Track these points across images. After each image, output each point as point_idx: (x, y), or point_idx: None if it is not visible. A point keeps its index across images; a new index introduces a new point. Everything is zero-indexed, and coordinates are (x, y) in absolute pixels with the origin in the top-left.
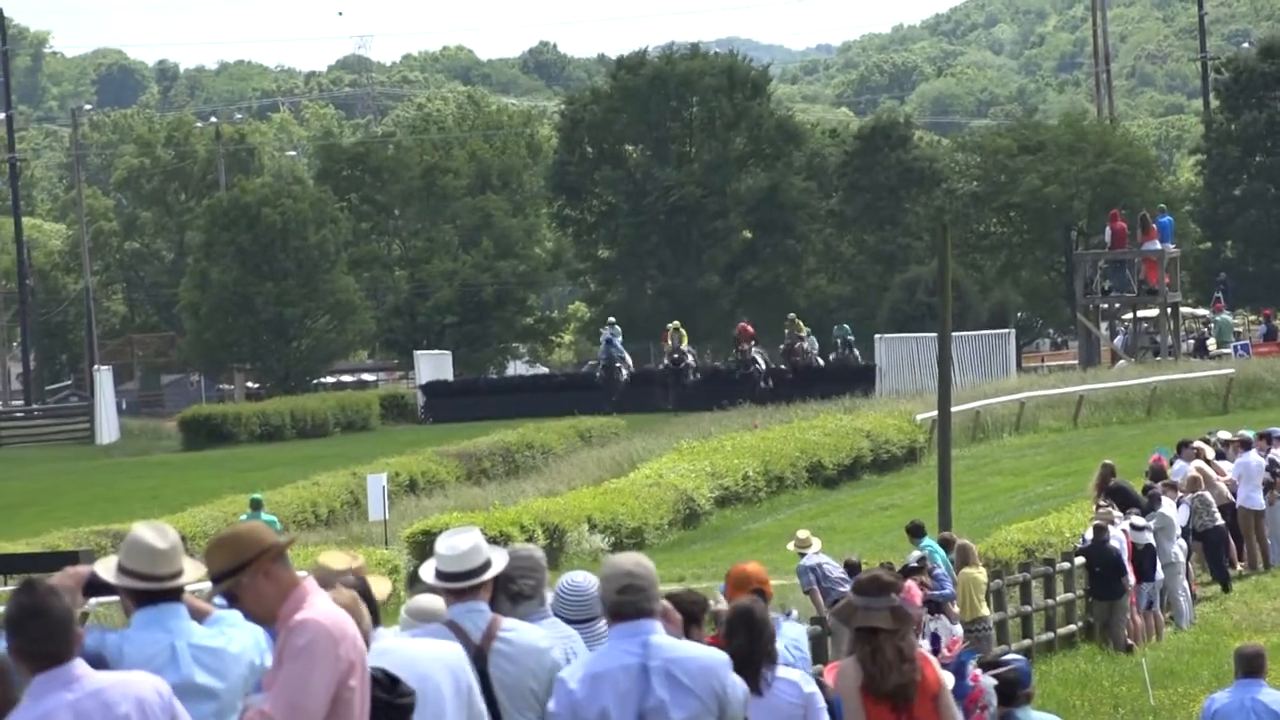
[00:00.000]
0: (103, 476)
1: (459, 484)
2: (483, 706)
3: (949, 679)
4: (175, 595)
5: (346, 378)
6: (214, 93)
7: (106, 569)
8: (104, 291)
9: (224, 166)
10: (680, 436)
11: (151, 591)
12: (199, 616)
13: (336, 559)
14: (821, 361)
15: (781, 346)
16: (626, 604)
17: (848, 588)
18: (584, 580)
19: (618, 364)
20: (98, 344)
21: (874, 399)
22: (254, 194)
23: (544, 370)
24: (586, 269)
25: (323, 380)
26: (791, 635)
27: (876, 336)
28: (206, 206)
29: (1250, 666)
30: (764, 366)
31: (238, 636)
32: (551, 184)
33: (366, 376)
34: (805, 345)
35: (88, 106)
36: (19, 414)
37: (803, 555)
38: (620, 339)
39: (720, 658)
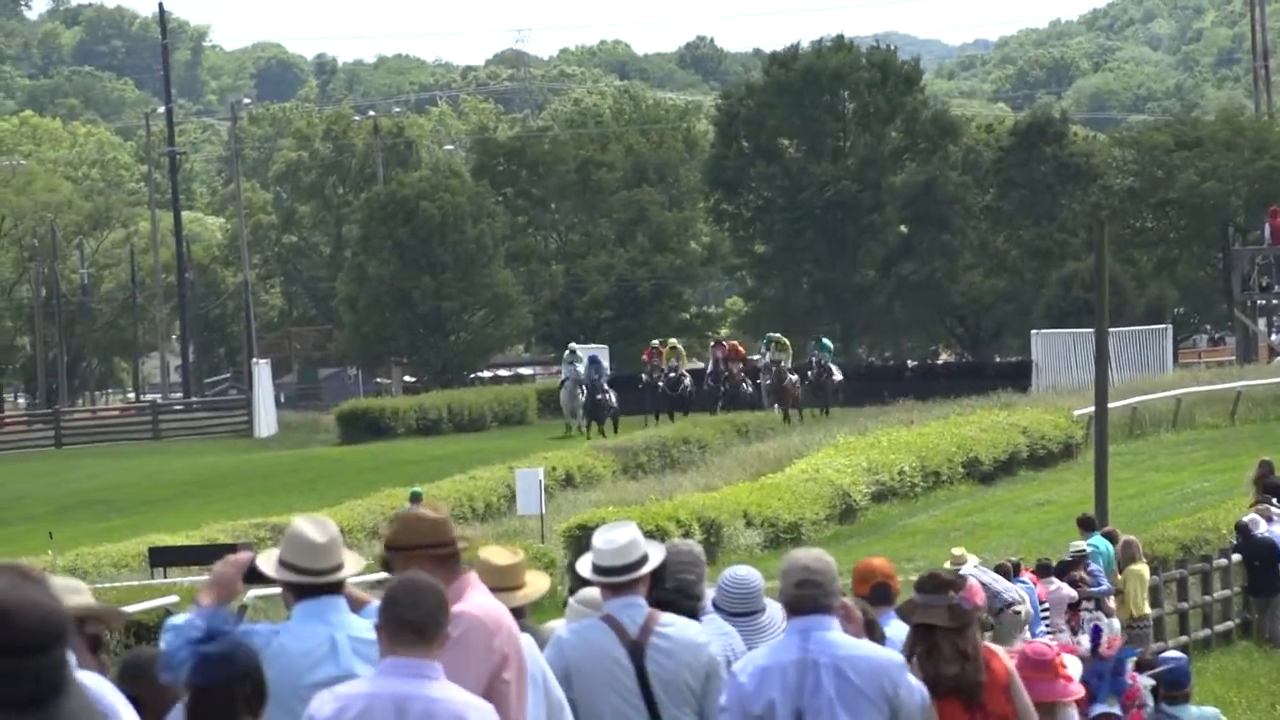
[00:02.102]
0: (261, 469)
1: (615, 478)
2: (560, 695)
3: (1012, 664)
4: (335, 589)
5: (503, 372)
6: (372, 87)
7: (267, 562)
8: (262, 285)
9: (382, 160)
10: (837, 432)
11: (311, 585)
12: (357, 606)
13: (498, 553)
14: (796, 377)
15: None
16: (804, 598)
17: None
18: (746, 573)
19: (605, 387)
20: (256, 337)
21: (1031, 395)
22: (411, 188)
23: (700, 365)
24: (742, 264)
25: (480, 374)
26: (900, 635)
27: (1033, 332)
28: (364, 200)
29: None
30: (750, 389)
31: None
32: (708, 179)
33: (523, 371)
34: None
35: (246, 100)
36: (178, 406)
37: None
38: (605, 361)
39: (895, 659)
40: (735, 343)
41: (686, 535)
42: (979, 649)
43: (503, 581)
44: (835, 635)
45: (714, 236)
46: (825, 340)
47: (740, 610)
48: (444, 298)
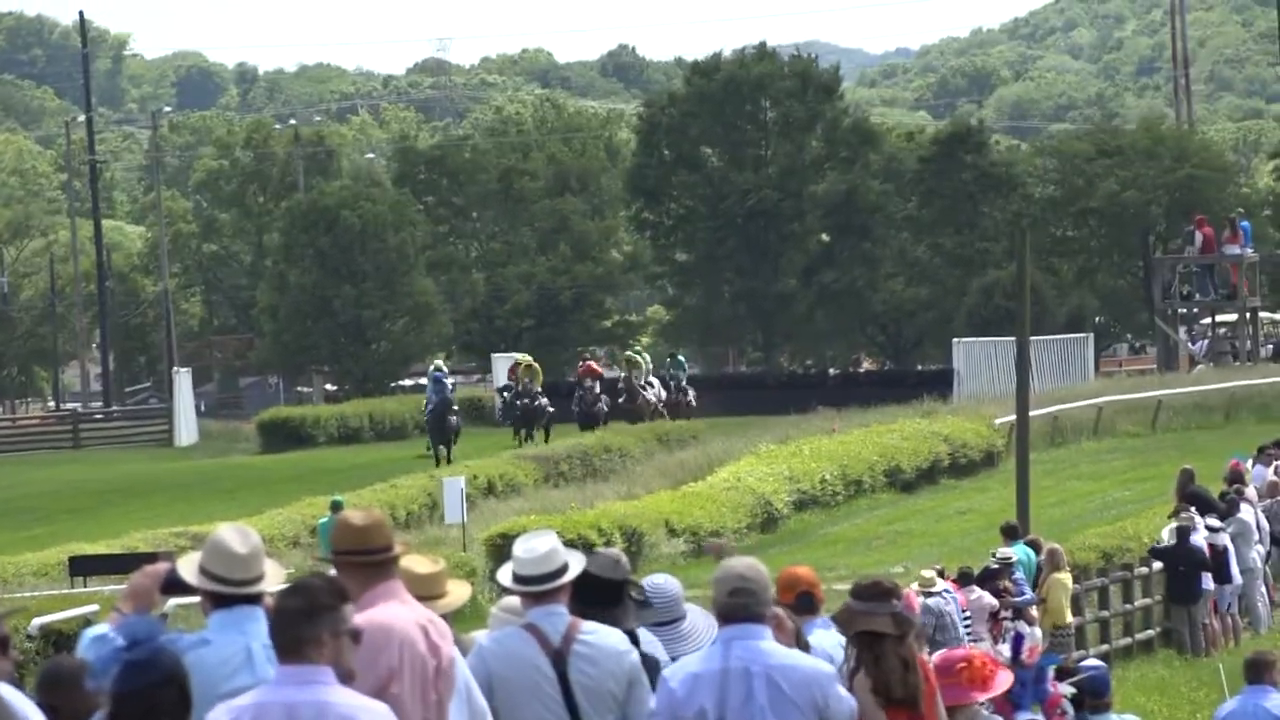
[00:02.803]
0: (181, 478)
1: (537, 487)
2: (483, 704)
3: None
4: (255, 599)
5: (423, 381)
6: (293, 95)
7: (188, 570)
8: (183, 294)
9: (302, 169)
10: (758, 440)
11: (232, 595)
12: None
13: (419, 562)
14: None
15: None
16: (737, 606)
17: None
18: (664, 581)
19: (454, 409)
20: (176, 346)
21: (952, 403)
22: (333, 196)
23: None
24: (664, 272)
25: (401, 383)
26: (825, 644)
27: (955, 340)
28: (285, 209)
29: (1257, 673)
30: (606, 408)
31: None
32: (629, 187)
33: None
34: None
35: (167, 109)
36: (98, 415)
37: (928, 595)
38: (450, 378)
39: (826, 669)
40: (591, 361)
41: (608, 544)
42: (918, 658)
43: (424, 590)
44: (767, 644)
45: (636, 245)
46: (681, 358)
47: (661, 620)
48: (365, 306)
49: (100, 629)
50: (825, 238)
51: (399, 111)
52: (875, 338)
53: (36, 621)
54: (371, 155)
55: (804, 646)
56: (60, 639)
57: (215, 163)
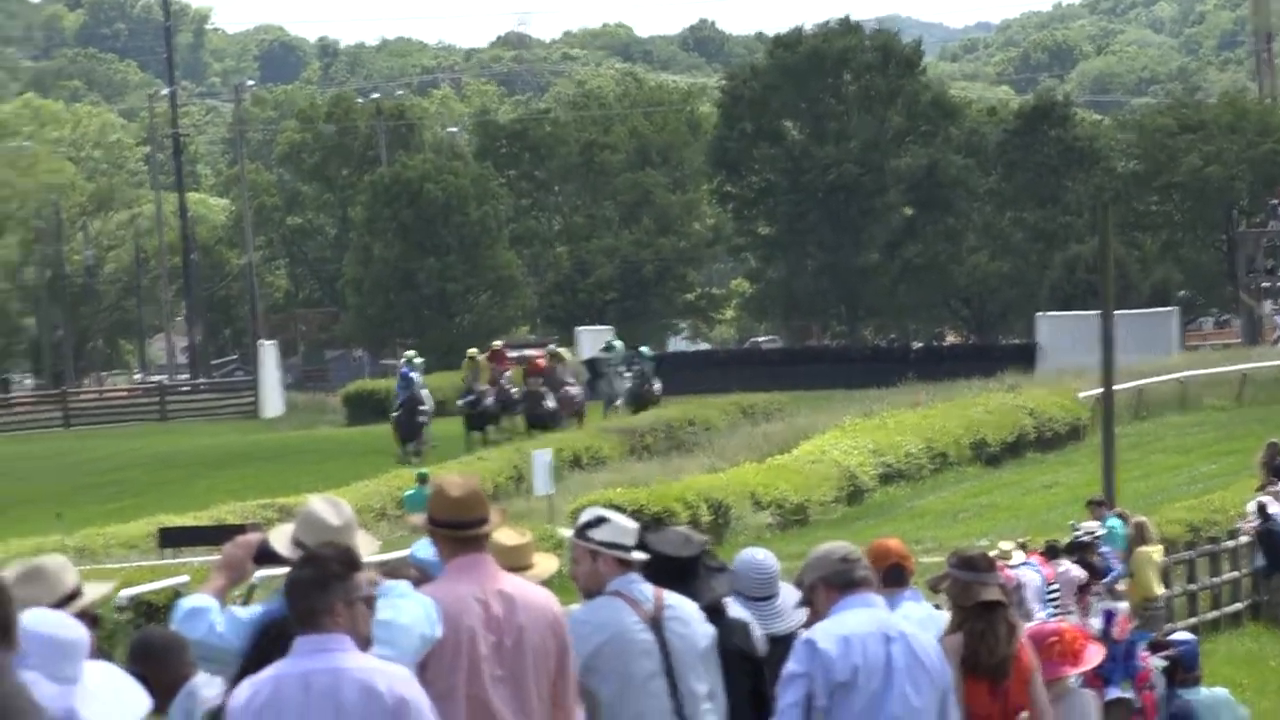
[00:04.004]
0: (268, 450)
1: (622, 460)
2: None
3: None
4: None
5: (510, 354)
6: (374, 69)
7: (281, 542)
8: (267, 266)
9: (385, 142)
10: (843, 414)
11: None
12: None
13: (506, 534)
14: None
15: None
16: (853, 575)
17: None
18: (764, 558)
19: (421, 406)
20: (262, 319)
21: (1036, 377)
22: (415, 170)
23: (705, 346)
24: (746, 245)
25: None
26: (915, 616)
27: (1038, 314)
28: (368, 182)
29: None
30: (555, 405)
31: (407, 608)
32: (711, 161)
33: (529, 352)
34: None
35: (250, 82)
36: (185, 388)
37: (1009, 569)
38: (419, 373)
39: (935, 642)
40: (537, 356)
41: (694, 517)
42: (1018, 627)
43: (511, 561)
44: (902, 610)
45: (718, 218)
46: (645, 349)
47: (760, 594)
48: (448, 279)
49: (198, 600)
50: (908, 211)
51: (480, 85)
52: (959, 311)
53: (126, 593)
54: (453, 129)
55: None
56: (150, 610)
57: (298, 136)
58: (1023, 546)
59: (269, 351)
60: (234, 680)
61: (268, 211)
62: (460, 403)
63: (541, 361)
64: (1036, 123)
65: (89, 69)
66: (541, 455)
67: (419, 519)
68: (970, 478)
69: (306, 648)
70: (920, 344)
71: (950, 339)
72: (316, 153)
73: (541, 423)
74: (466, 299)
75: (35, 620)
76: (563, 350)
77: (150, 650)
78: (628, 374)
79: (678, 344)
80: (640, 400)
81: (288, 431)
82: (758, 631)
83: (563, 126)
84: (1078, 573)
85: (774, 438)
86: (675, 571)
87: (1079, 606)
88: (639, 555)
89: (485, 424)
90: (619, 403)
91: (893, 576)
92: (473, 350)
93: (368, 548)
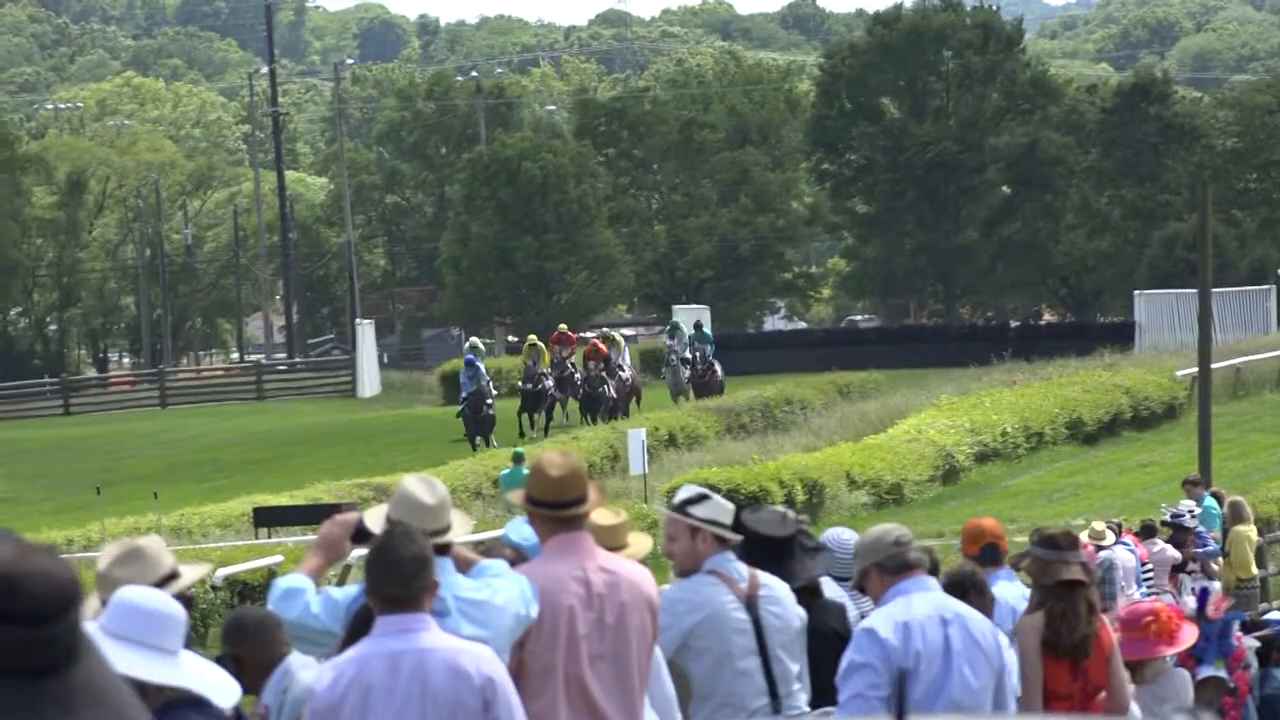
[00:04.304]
0: (364, 429)
1: (718, 439)
2: (669, 690)
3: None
4: (443, 550)
5: (608, 329)
6: (474, 47)
7: (376, 522)
8: (365, 245)
9: (484, 120)
10: (939, 392)
11: None
12: (464, 567)
13: (601, 514)
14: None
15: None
16: (908, 557)
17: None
18: (849, 536)
19: (487, 400)
20: (359, 297)
21: (1134, 355)
22: (514, 148)
23: (802, 325)
24: (844, 224)
25: (583, 335)
26: (1008, 596)
27: (1136, 293)
28: (467, 160)
29: None
30: (612, 394)
31: (503, 588)
32: (809, 139)
33: (626, 331)
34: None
35: (349, 60)
36: (282, 367)
37: (1099, 549)
38: (484, 363)
39: (989, 622)
40: (597, 339)
41: (790, 496)
42: (1098, 606)
43: (605, 541)
44: (998, 589)
45: (816, 197)
46: (706, 330)
47: (845, 574)
48: (546, 258)
49: (293, 580)
50: (1006, 190)
51: (580, 63)
52: (1056, 290)
53: (221, 572)
54: (552, 107)
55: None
56: (245, 589)
57: (397, 114)
58: (1118, 527)
59: (366, 330)
60: None
61: (366, 190)
62: (521, 386)
63: (603, 346)
64: (1135, 100)
65: (189, 47)
66: (637, 434)
67: (516, 497)
68: (1066, 457)
69: (391, 628)
70: (1017, 323)
71: (1047, 317)
72: (415, 131)
73: (598, 408)
74: (564, 278)
75: (133, 595)
76: (616, 334)
77: (245, 630)
78: (687, 362)
79: (774, 323)
80: (704, 390)
81: (384, 410)
82: (854, 612)
83: (662, 105)
84: (1172, 553)
85: (869, 417)
86: (770, 551)
87: (1172, 586)
88: (735, 535)
89: (540, 407)
90: (681, 396)
91: (987, 555)
92: (533, 336)
93: (462, 527)
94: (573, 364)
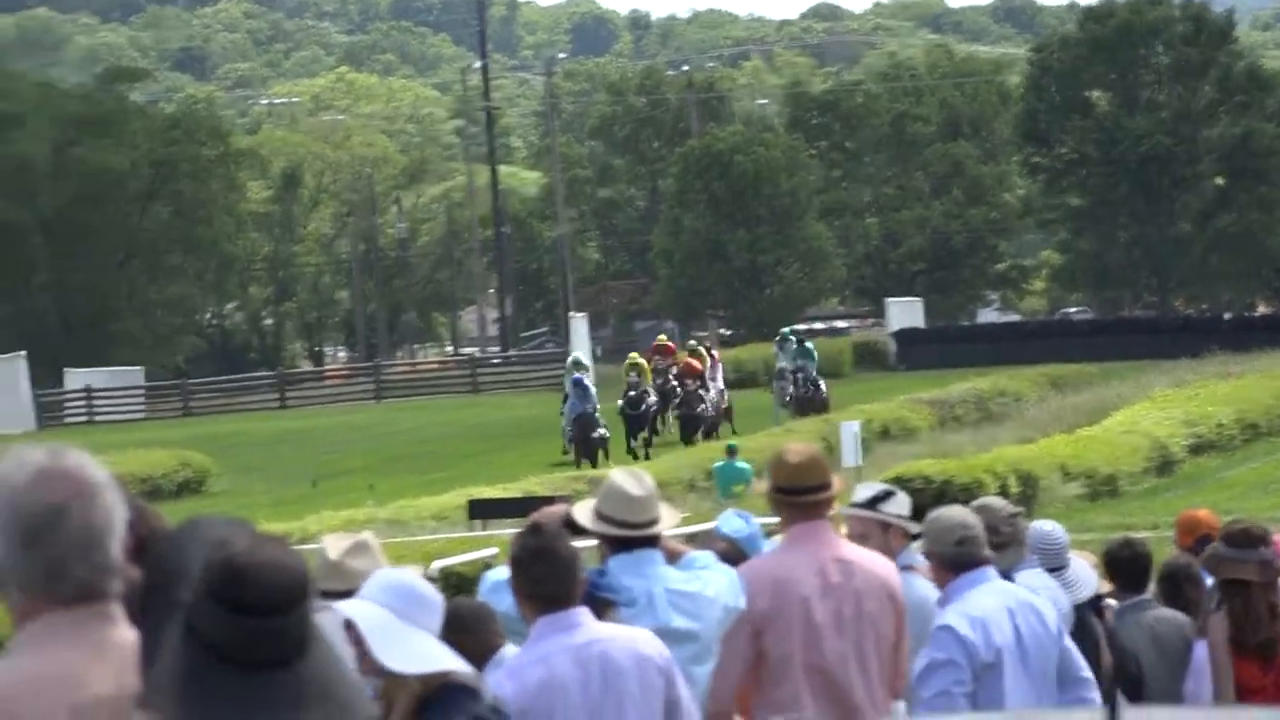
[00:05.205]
0: None
1: (932, 431)
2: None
3: None
4: (652, 542)
5: (818, 325)
6: (685, 42)
7: (584, 514)
8: (578, 239)
9: (696, 114)
10: (1153, 384)
11: (629, 538)
12: (673, 559)
13: None
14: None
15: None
16: (965, 553)
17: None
18: (1053, 529)
19: (599, 420)
20: (573, 291)
21: None
22: (726, 142)
23: (1016, 318)
24: (1057, 217)
25: (795, 328)
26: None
27: None
28: (679, 154)
29: None
30: (711, 411)
31: (713, 580)
32: (1019, 132)
33: (838, 324)
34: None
35: (562, 55)
36: (496, 360)
37: None
38: (590, 378)
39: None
40: (689, 356)
41: (1003, 488)
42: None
43: None
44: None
45: (1028, 189)
46: (809, 344)
47: (1050, 566)
48: (759, 251)
49: (498, 571)
50: (1220, 182)
51: (791, 57)
52: (1271, 281)
53: (436, 564)
54: (764, 101)
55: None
56: (461, 582)
57: (609, 108)
58: None
59: (579, 324)
60: None
61: (579, 184)
62: (621, 409)
63: (696, 364)
64: None
65: (402, 42)
66: (850, 427)
67: (764, 485)
68: None
69: (557, 625)
70: (1231, 314)
71: (1261, 309)
72: (627, 125)
73: (697, 428)
74: (776, 271)
75: (389, 574)
76: (703, 348)
77: (461, 620)
78: (790, 377)
79: (987, 315)
80: (804, 406)
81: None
82: (1063, 603)
83: (873, 98)
84: None
85: (1083, 409)
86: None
87: None
88: (918, 526)
89: (643, 427)
90: (783, 411)
91: (1202, 547)
92: (634, 354)
93: (670, 519)
94: (675, 377)
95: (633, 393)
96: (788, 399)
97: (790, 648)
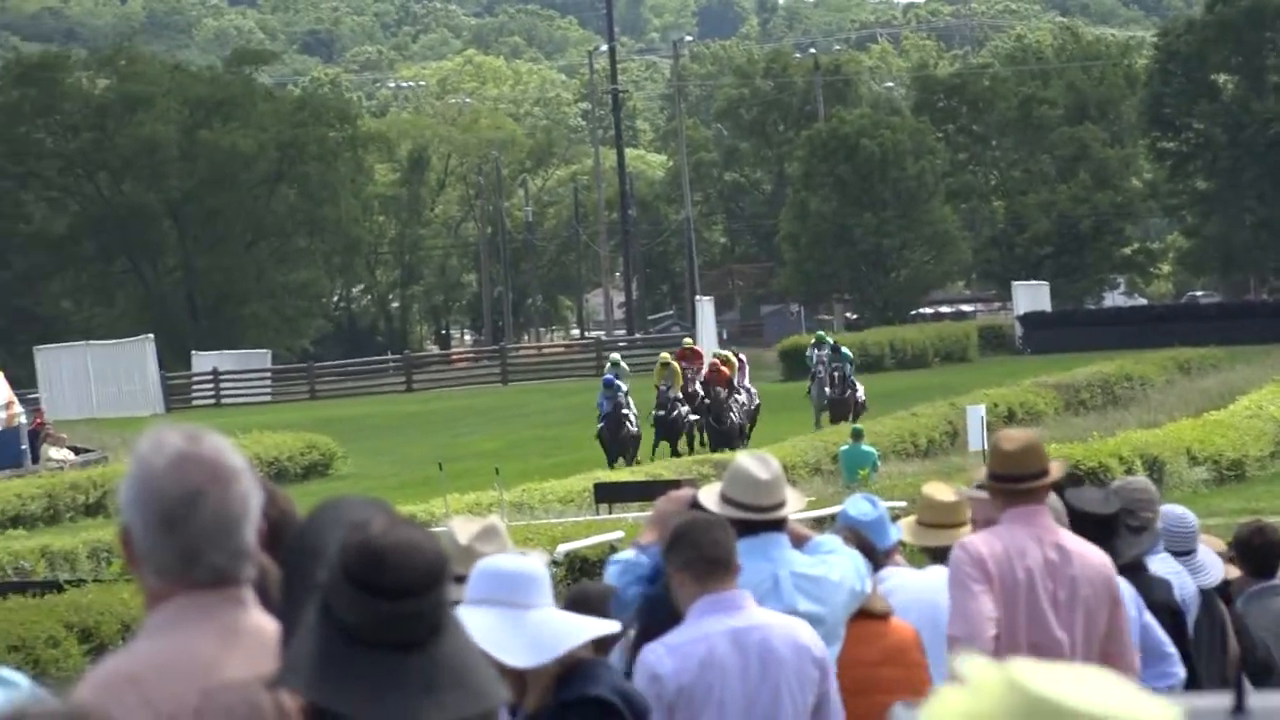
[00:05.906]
0: None
1: (1057, 415)
2: None
3: None
4: (778, 525)
5: (944, 308)
6: (812, 24)
7: (710, 498)
8: (704, 222)
9: (822, 97)
10: None
11: (755, 521)
12: (799, 542)
13: (939, 489)
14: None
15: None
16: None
17: None
18: (1184, 513)
19: (624, 412)
20: (698, 274)
21: None
22: (853, 125)
23: (1142, 302)
24: (1183, 201)
25: (921, 311)
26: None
27: None
28: (805, 138)
29: None
30: (741, 420)
31: (838, 564)
32: (1145, 116)
33: (964, 307)
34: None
35: (688, 38)
36: (622, 343)
37: None
38: (626, 381)
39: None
40: (716, 361)
41: (1129, 472)
42: None
43: (943, 518)
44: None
45: (1155, 173)
46: (845, 349)
47: (1180, 549)
48: (885, 235)
49: (628, 555)
50: None
51: (919, 40)
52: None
53: (562, 548)
54: (891, 84)
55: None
56: (586, 565)
57: (735, 92)
58: None
59: (705, 307)
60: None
61: (705, 167)
62: (654, 413)
63: (725, 370)
64: None
65: (529, 25)
66: (976, 410)
67: (981, 473)
68: None
69: (719, 605)
70: None
71: None
72: (754, 108)
73: (726, 439)
74: (902, 254)
75: (484, 567)
76: (729, 353)
77: (587, 603)
78: (826, 377)
79: (1115, 299)
80: (839, 408)
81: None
82: (1191, 588)
83: (1000, 81)
84: None
85: (1210, 393)
86: (1094, 529)
87: None
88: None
89: (677, 435)
90: (821, 412)
91: None
92: (665, 354)
93: (795, 503)
94: (702, 384)
95: (664, 405)
96: (825, 402)
97: (1016, 624)
